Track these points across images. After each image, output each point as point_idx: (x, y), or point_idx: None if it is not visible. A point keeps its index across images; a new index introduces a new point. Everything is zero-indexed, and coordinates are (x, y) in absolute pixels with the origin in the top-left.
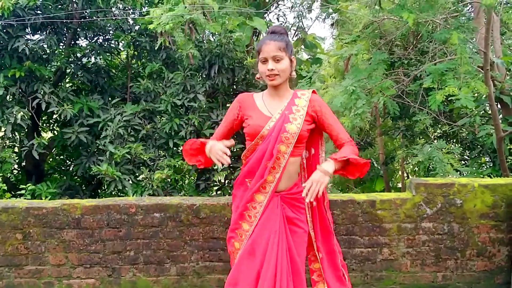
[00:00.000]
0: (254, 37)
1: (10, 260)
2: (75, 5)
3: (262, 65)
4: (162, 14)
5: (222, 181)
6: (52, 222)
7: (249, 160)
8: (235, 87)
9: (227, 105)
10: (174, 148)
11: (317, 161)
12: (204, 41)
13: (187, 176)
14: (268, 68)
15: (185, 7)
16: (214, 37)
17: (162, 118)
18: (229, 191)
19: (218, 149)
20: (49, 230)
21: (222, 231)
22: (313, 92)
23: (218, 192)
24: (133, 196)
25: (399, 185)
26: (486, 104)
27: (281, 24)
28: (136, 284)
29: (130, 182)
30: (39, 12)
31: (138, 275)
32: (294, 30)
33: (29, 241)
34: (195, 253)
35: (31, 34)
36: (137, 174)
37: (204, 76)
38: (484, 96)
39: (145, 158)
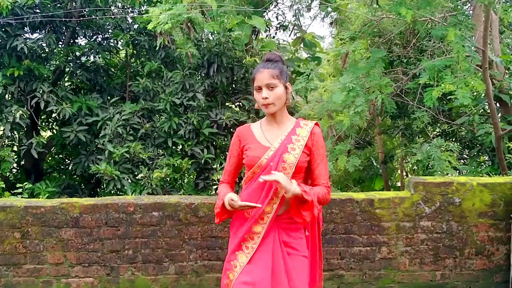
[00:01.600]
0: (253, 36)
1: (8, 259)
2: (74, 3)
3: (257, 94)
4: (160, 13)
5: None
6: (50, 221)
7: (247, 188)
8: (234, 86)
9: (226, 104)
10: (173, 147)
11: None
12: (203, 40)
13: (186, 175)
14: (262, 97)
15: (184, 6)
16: (213, 36)
17: (161, 117)
18: None
19: (238, 205)
20: (47, 229)
21: (220, 230)
22: (316, 124)
23: (217, 192)
24: (132, 195)
25: (398, 184)
26: (485, 103)
27: (280, 23)
28: (134, 283)
29: (129, 181)
30: (37, 10)
31: (137, 274)
32: (292, 28)
33: (28, 240)
34: (193, 252)
35: (29, 33)
36: (136, 173)
37: (203, 75)
38: (483, 95)
39: (144, 157)
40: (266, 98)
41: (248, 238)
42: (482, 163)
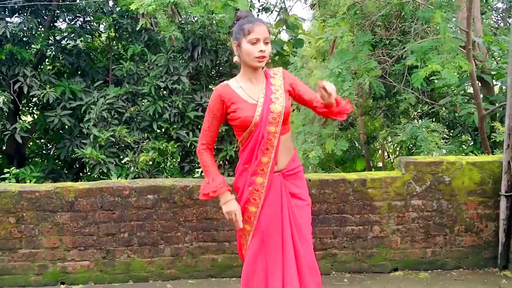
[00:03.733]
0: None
1: (3, 243)
2: None
3: (253, 46)
4: None
5: None
6: (45, 205)
7: (245, 148)
8: (218, 68)
9: (210, 86)
10: (158, 131)
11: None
12: (187, 23)
13: (169, 158)
14: (261, 49)
15: None
16: (197, 19)
17: (145, 100)
18: None
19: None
20: (42, 213)
21: (215, 212)
22: (282, 68)
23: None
24: (118, 179)
25: (380, 164)
26: (467, 84)
27: (262, 5)
28: (130, 265)
29: (114, 165)
30: None
31: (133, 256)
32: (278, 11)
33: (23, 225)
34: (189, 234)
35: (9, 17)
36: (121, 157)
37: (187, 58)
38: (465, 75)
39: (129, 141)
40: (264, 51)
41: (253, 190)
42: (464, 143)
